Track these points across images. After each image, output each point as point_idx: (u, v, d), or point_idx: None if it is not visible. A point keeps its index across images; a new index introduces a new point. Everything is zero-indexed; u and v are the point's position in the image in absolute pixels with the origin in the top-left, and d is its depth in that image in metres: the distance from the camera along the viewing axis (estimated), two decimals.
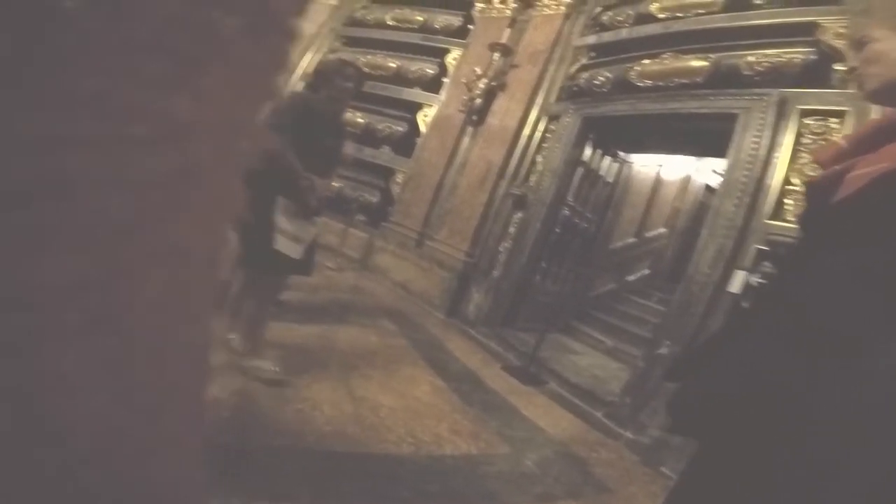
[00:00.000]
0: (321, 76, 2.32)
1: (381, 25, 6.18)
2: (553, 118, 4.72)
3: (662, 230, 6.71)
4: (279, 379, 2.11)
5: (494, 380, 3.21)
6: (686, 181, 6.62)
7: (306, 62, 6.30)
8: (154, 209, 0.21)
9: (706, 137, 3.87)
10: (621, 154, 5.42)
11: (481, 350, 3.84)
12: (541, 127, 4.76)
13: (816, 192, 0.77)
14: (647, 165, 6.78)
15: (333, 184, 2.20)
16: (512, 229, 4.61)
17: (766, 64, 3.23)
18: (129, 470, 0.24)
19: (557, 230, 4.73)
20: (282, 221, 2.04)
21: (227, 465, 1.49)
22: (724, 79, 3.48)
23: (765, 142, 3.02)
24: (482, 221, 4.72)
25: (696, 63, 3.65)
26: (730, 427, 0.66)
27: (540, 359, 3.59)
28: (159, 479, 0.27)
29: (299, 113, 2.12)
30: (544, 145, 4.72)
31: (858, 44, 0.75)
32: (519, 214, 4.60)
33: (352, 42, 6.42)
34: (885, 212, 0.60)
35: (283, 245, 2.04)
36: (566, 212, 4.79)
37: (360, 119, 5.68)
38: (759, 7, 3.49)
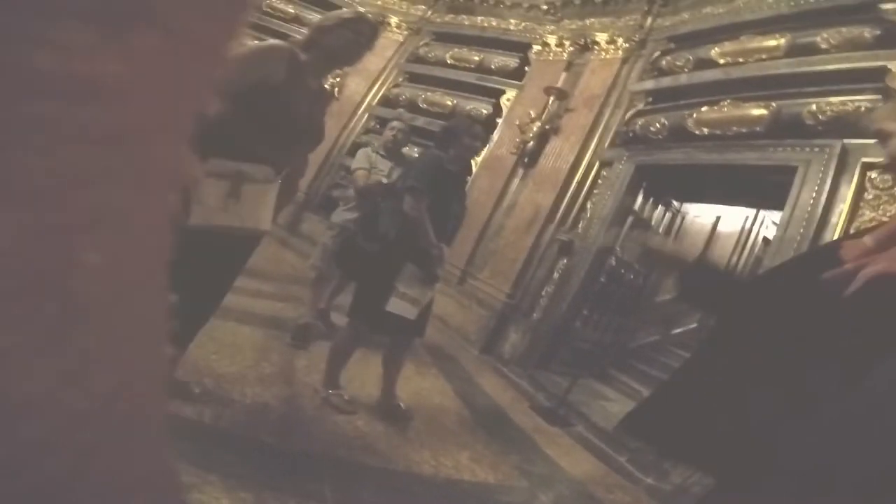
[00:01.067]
0: (450, 134, 2.30)
1: (441, 63, 6.51)
2: (606, 164, 4.72)
3: None
4: (351, 410, 2.21)
5: (521, 417, 3.17)
6: (744, 234, 6.32)
7: (371, 96, 6.70)
8: (85, 172, 0.19)
9: (766, 188, 3.74)
10: (675, 203, 5.31)
11: (512, 388, 3.80)
12: (593, 173, 4.77)
13: (832, 286, 0.79)
14: (702, 216, 6.58)
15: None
16: (556, 275, 4.58)
17: (829, 112, 3.10)
18: (88, 459, 0.22)
19: (602, 279, 4.66)
20: (403, 286, 2.05)
21: (264, 463, 1.62)
22: (785, 128, 3.36)
23: (823, 197, 2.90)
24: (526, 264, 4.71)
25: (756, 111, 3.56)
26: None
27: (570, 402, 3.49)
28: (121, 468, 0.25)
29: (434, 174, 2.11)
30: (595, 192, 4.71)
31: (881, 137, 0.80)
32: (564, 261, 4.58)
33: (413, 78, 6.70)
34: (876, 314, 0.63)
35: (398, 307, 2.04)
36: (613, 261, 4.71)
37: (415, 154, 5.98)
38: (824, 52, 3.39)
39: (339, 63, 1.77)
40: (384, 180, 2.96)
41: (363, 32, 1.69)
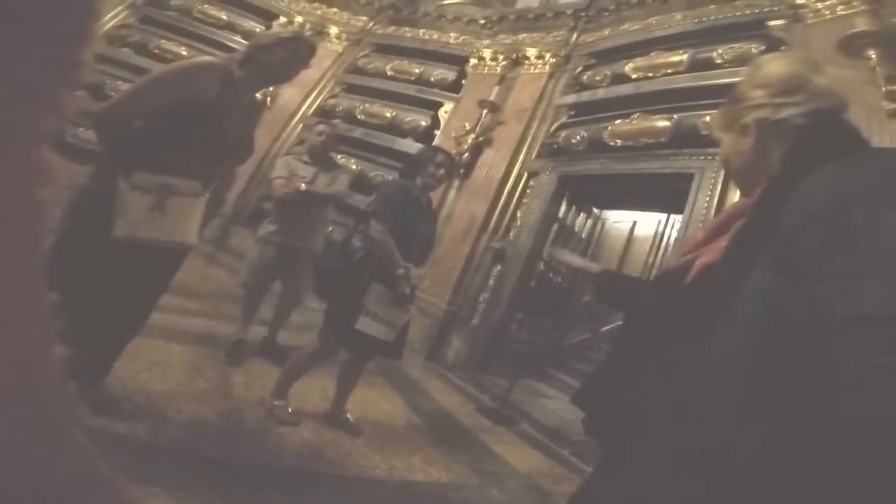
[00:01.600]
0: (415, 164, 2.39)
1: (381, 75, 6.51)
2: (533, 174, 4.99)
3: None
4: (294, 422, 2.19)
5: (468, 419, 3.24)
6: (658, 237, 6.97)
7: (307, 105, 6.55)
8: None
9: (672, 195, 4.15)
10: (595, 211, 5.74)
11: (458, 392, 3.86)
12: (522, 183, 5.01)
13: (669, 278, 0.91)
14: (621, 222, 7.16)
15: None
16: (491, 281, 4.74)
17: None
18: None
19: (533, 283, 4.90)
20: (373, 305, 2.06)
21: (210, 475, 1.56)
22: (685, 138, 3.74)
23: (715, 201, 3.30)
24: (464, 272, 4.83)
25: (661, 123, 3.94)
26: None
27: (512, 401, 3.63)
28: (21, 473, 0.24)
29: (399, 200, 2.17)
30: (524, 201, 4.95)
31: (718, 142, 0.95)
32: (498, 267, 4.76)
33: (351, 89, 6.66)
34: (706, 303, 0.72)
35: (371, 327, 2.06)
36: (541, 266, 4.98)
37: (353, 166, 5.87)
38: (718, 66, 3.81)
39: (273, 80, 1.78)
40: (303, 186, 2.85)
41: (300, 51, 1.71)
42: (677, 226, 6.91)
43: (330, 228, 5.57)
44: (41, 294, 0.27)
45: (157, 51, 6.40)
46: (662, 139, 3.90)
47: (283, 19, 6.82)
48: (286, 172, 2.94)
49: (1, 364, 0.24)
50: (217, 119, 1.52)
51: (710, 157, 3.48)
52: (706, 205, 3.42)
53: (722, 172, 3.38)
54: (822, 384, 0.55)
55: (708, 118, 3.57)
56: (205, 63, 1.61)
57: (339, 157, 5.03)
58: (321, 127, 3.15)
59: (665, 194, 4.38)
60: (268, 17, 6.92)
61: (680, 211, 4.00)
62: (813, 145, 0.71)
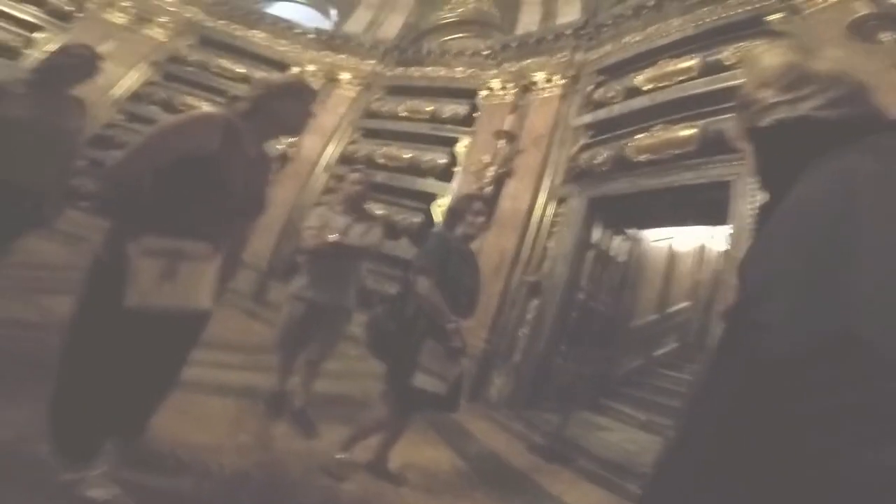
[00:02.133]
0: (454, 214, 2.41)
1: (395, 116, 6.64)
2: (561, 201, 4.88)
3: (686, 304, 6.60)
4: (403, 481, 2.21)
5: (519, 459, 3.07)
6: (701, 251, 6.65)
7: (329, 153, 6.69)
8: None
9: (710, 206, 3.95)
10: (630, 232, 5.56)
11: (504, 431, 3.68)
12: (549, 211, 4.91)
13: None
14: (659, 240, 6.89)
15: None
16: (529, 315, 4.60)
17: None
18: None
19: (574, 314, 4.74)
20: (427, 361, 2.07)
21: None
22: (714, 145, 3.57)
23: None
24: (499, 309, 4.71)
25: (685, 132, 3.80)
26: None
27: (566, 437, 3.41)
28: None
29: (442, 254, 2.20)
30: (554, 230, 4.83)
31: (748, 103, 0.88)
32: (535, 301, 4.62)
33: (369, 133, 6.73)
34: None
35: (425, 382, 2.06)
36: (581, 296, 4.81)
37: (378, 211, 6.00)
38: (731, 68, 3.68)
39: (284, 131, 1.73)
40: (333, 238, 2.70)
41: (305, 99, 1.63)
42: (718, 237, 6.66)
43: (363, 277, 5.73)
44: None
45: (182, 107, 6.65)
46: (690, 148, 3.76)
47: (295, 69, 7.08)
48: (318, 223, 2.80)
49: None
50: (221, 174, 1.44)
51: (744, 161, 3.32)
52: (749, 212, 3.24)
53: None
54: None
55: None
56: (204, 116, 1.56)
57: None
58: (356, 175, 2.99)
59: (701, 206, 4.20)
60: (281, 67, 7.21)
61: (720, 222, 3.82)
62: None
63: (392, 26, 7.40)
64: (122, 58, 6.81)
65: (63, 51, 2.27)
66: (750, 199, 3.28)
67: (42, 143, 2.09)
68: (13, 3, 6.47)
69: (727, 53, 3.87)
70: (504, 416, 4.01)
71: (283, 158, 6.46)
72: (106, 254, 1.39)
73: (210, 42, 7.48)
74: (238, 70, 7.11)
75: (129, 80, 6.90)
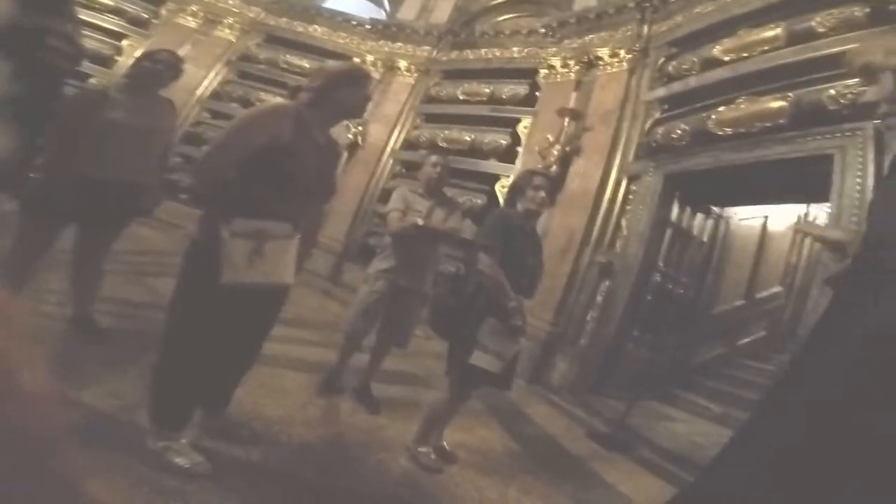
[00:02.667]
0: (514, 192, 2.37)
1: (454, 100, 6.67)
2: (633, 178, 4.64)
3: (777, 289, 5.96)
4: (437, 468, 2.21)
5: (575, 445, 3.04)
6: (797, 232, 5.92)
7: (394, 139, 6.89)
8: None
9: (808, 182, 3.54)
10: (715, 209, 5.11)
11: (564, 416, 3.65)
12: (622, 189, 4.69)
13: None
14: (749, 218, 6.24)
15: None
16: (599, 298, 4.44)
17: (850, 95, 2.96)
18: None
19: (649, 297, 4.50)
20: (486, 339, 2.07)
21: (311, 501, 1.68)
22: (810, 117, 3.22)
23: (870, 181, 2.73)
24: (567, 291, 4.61)
25: (775, 104, 3.45)
26: None
27: (630, 425, 3.32)
28: None
29: (504, 231, 2.17)
30: (627, 208, 4.61)
31: (867, 72, 0.76)
32: (606, 283, 4.44)
33: (430, 118, 6.82)
34: None
35: (482, 360, 2.06)
36: (658, 277, 4.55)
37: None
38: (823, 35, 3.30)
39: (347, 115, 1.85)
40: (420, 221, 2.68)
41: (366, 85, 1.77)
42: (821, 216, 5.88)
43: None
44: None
45: (258, 103, 7.02)
46: (781, 121, 3.39)
47: (356, 59, 7.29)
48: (402, 205, 2.76)
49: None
50: (295, 161, 1.58)
51: (849, 134, 2.91)
52: (858, 187, 2.85)
53: (870, 148, 2.80)
54: None
55: (832, 91, 3.05)
56: (276, 107, 1.68)
57: None
58: (435, 158, 2.93)
59: (799, 182, 3.75)
60: (342, 59, 7.32)
61: (820, 199, 3.39)
62: None
63: (442, 11, 7.37)
64: (199, 59, 7.48)
65: (148, 56, 2.50)
66: (858, 172, 2.88)
67: (140, 143, 2.35)
68: (96, 14, 7.19)
69: (818, 20, 3.42)
70: (565, 401, 3.97)
71: (353, 147, 6.76)
72: (201, 237, 1.58)
73: (275, 39, 7.93)
74: (304, 65, 7.45)
75: (208, 80, 7.55)
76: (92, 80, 6.29)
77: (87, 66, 6.47)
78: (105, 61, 7.09)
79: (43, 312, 2.52)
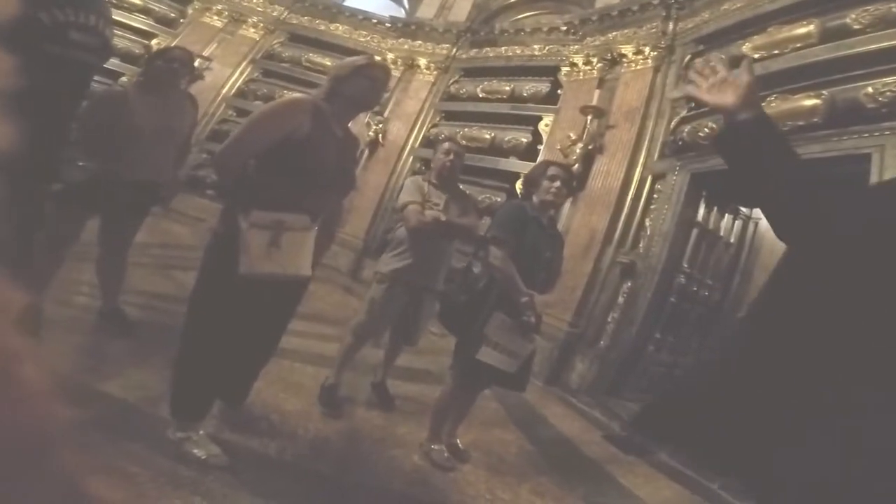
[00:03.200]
0: (529, 182, 2.31)
1: (474, 98, 6.64)
2: (658, 177, 4.54)
3: None
4: (449, 466, 2.19)
5: (592, 448, 3.00)
6: None
7: (413, 138, 6.91)
8: None
9: (844, 182, 3.41)
10: (744, 210, 4.95)
11: (581, 418, 3.62)
12: (646, 188, 4.59)
13: None
14: None
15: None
16: (621, 299, 4.36)
17: (888, 93, 2.86)
18: None
19: (672, 299, 4.40)
20: (495, 335, 1.99)
21: (324, 495, 1.72)
22: (846, 116, 3.12)
23: None
24: (587, 291, 4.53)
25: (808, 102, 3.35)
26: None
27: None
28: None
29: (517, 223, 2.11)
30: (652, 207, 4.51)
31: None
32: (628, 283, 4.36)
33: (450, 116, 6.82)
34: None
35: (491, 357, 1.99)
36: (682, 279, 4.44)
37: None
38: (859, 32, 3.19)
39: (360, 108, 1.87)
40: (442, 216, 2.46)
41: (378, 77, 1.77)
42: None
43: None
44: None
45: None
46: (815, 119, 3.28)
47: (377, 58, 7.39)
48: (419, 197, 2.54)
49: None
50: (314, 153, 1.60)
51: (888, 133, 2.79)
52: None
53: None
54: None
55: (870, 89, 2.94)
56: (294, 101, 1.70)
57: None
58: (447, 145, 2.69)
59: (834, 182, 3.60)
60: (360, 56, 7.60)
61: None
62: None
63: (461, 9, 7.36)
64: (226, 58, 7.69)
65: (162, 55, 2.52)
66: None
67: (160, 142, 2.39)
68: (125, 13, 7.40)
69: (853, 16, 3.29)
70: (583, 403, 3.93)
71: (373, 144, 6.83)
72: (222, 229, 1.62)
73: (298, 38, 8.04)
74: (326, 63, 7.52)
75: (234, 78, 7.72)
76: (123, 79, 6.49)
77: (118, 63, 6.71)
78: (135, 60, 7.36)
79: (75, 304, 2.63)
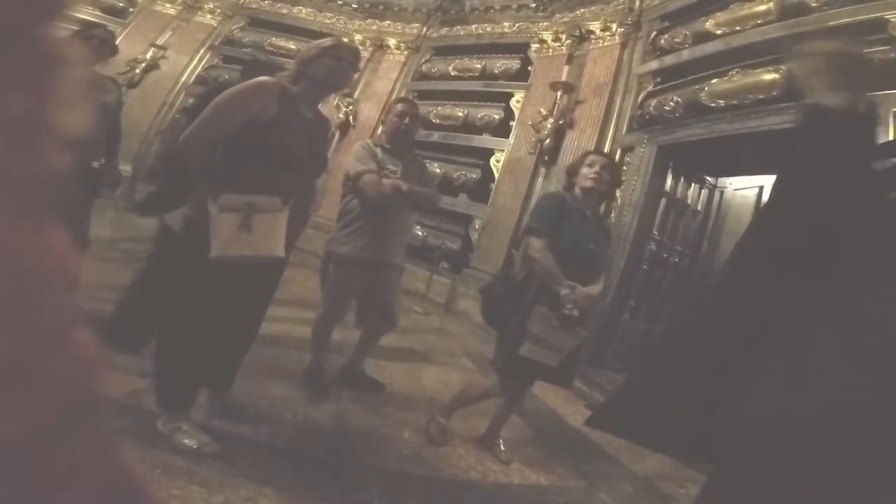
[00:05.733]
0: (570, 171, 2.24)
1: (446, 77, 6.64)
2: (627, 150, 4.67)
3: None
4: (441, 442, 2.21)
5: (575, 417, 3.11)
6: None
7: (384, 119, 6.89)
8: None
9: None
10: (710, 179, 5.13)
11: (563, 389, 3.73)
12: (615, 160, 4.72)
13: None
14: (744, 189, 6.25)
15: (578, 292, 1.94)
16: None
17: None
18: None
19: (644, 266, 4.54)
20: (537, 329, 1.93)
21: (316, 476, 1.74)
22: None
23: None
24: None
25: (768, 76, 3.50)
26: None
27: None
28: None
29: (555, 214, 2.05)
30: (621, 178, 4.64)
31: None
32: None
33: (423, 95, 6.74)
34: None
35: (532, 352, 1.94)
36: (652, 246, 4.59)
37: (437, 169, 6.00)
38: (816, 10, 3.32)
39: (328, 89, 1.85)
40: (403, 186, 2.24)
41: (345, 57, 1.75)
42: None
43: (424, 234, 5.90)
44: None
45: None
46: (774, 93, 3.44)
47: (344, 39, 7.23)
48: (373, 164, 2.29)
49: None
50: (282, 135, 1.59)
51: None
52: None
53: None
54: None
55: None
56: (259, 83, 1.66)
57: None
58: (401, 106, 2.48)
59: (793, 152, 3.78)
60: (328, 37, 7.40)
61: None
62: None
63: None
64: (181, 46, 7.39)
65: (79, 33, 2.41)
66: None
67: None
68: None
69: None
70: None
71: (344, 125, 6.70)
72: (192, 214, 1.59)
73: (259, 22, 7.78)
74: (291, 46, 7.32)
75: (192, 66, 7.44)
76: None
77: None
78: None
79: None
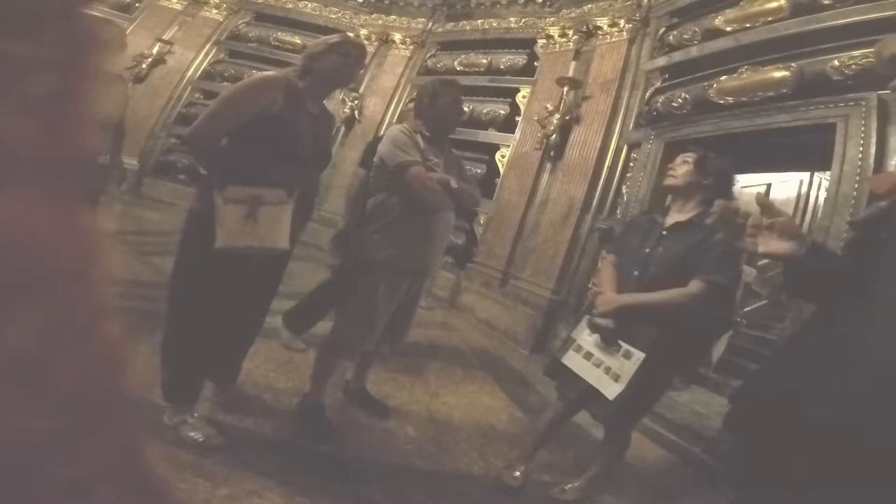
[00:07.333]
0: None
1: (451, 71, 6.54)
2: (634, 146, 4.63)
3: None
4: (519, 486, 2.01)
5: (579, 414, 3.12)
6: (801, 199, 5.92)
7: (391, 114, 6.80)
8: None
9: (811, 150, 3.54)
10: None
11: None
12: (622, 157, 4.69)
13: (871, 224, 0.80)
14: (752, 186, 6.22)
15: None
16: (600, 264, 4.52)
17: (854, 66, 2.97)
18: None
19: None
20: (585, 342, 1.86)
21: (320, 469, 1.76)
22: (813, 87, 3.23)
23: (872, 150, 2.74)
24: (568, 258, 4.66)
25: (778, 73, 3.43)
26: None
27: None
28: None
29: (624, 234, 2.10)
30: (628, 175, 4.62)
31: None
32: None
33: None
34: None
35: (574, 362, 1.87)
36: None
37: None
38: (828, 7, 3.26)
39: (334, 85, 1.88)
40: (453, 182, 1.91)
41: (351, 54, 1.77)
42: (824, 184, 5.86)
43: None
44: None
45: None
46: (784, 90, 3.38)
47: (349, 34, 7.20)
48: (418, 154, 1.90)
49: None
50: (288, 130, 1.62)
51: (853, 104, 2.91)
52: (859, 155, 2.87)
53: (873, 118, 2.79)
54: None
55: (836, 62, 3.05)
56: (267, 77, 1.69)
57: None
58: (452, 89, 2.12)
59: (802, 150, 3.75)
60: (335, 34, 7.37)
61: (822, 167, 3.40)
62: None
63: None
64: (188, 41, 7.36)
65: None
66: (861, 141, 2.88)
67: None
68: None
69: None
70: None
71: (350, 120, 6.70)
72: (198, 206, 1.62)
73: (265, 17, 7.73)
74: (296, 41, 7.27)
75: (198, 60, 7.41)
76: None
77: None
78: None
79: None
